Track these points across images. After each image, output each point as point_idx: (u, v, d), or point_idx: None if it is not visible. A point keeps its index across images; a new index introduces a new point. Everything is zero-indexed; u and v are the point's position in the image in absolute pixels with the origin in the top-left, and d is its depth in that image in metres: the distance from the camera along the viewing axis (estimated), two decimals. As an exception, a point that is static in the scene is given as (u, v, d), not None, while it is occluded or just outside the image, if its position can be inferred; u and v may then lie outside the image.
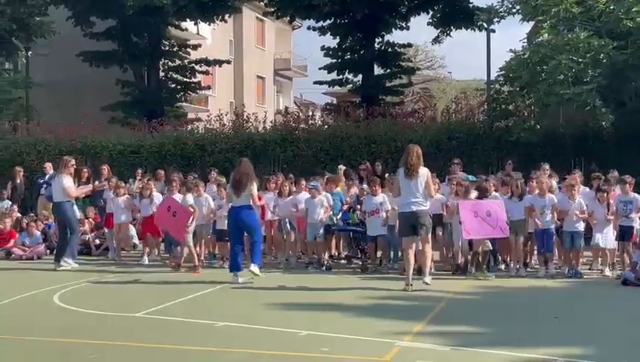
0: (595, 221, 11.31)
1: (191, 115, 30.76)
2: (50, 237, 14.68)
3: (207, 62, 28.46)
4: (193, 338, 7.19)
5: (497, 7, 18.66)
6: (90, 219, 15.08)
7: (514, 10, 17.82)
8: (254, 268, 10.47)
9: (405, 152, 9.98)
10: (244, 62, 42.27)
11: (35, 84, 27.26)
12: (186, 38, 30.06)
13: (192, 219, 12.02)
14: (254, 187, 10.73)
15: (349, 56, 24.57)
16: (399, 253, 11.49)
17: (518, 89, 17.46)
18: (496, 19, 20.06)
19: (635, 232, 11.41)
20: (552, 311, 8.39)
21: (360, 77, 24.49)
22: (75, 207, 13.15)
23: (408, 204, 9.77)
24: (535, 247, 11.80)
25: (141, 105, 26.04)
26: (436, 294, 9.44)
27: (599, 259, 11.53)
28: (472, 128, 18.37)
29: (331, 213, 12.30)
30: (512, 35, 61.05)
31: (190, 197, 12.28)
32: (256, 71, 44.00)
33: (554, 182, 12.15)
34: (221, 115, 20.65)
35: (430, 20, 23.90)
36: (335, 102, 30.10)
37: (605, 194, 11.39)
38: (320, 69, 24.89)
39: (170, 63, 28.21)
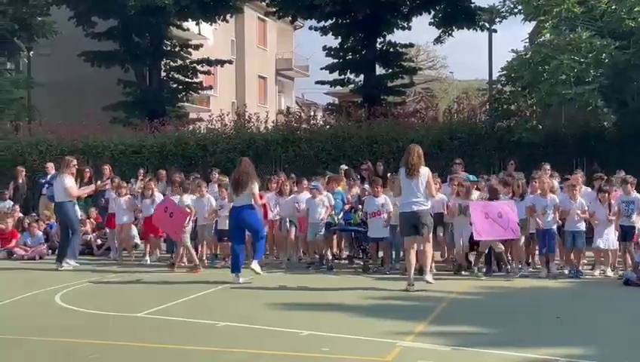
0: (597, 221, 11.30)
1: (192, 115, 30.79)
2: (51, 237, 14.69)
3: (208, 62, 28.46)
4: (195, 338, 7.19)
5: (499, 7, 18.67)
6: (92, 219, 15.09)
7: (516, 10, 17.82)
8: (255, 265, 10.47)
9: (406, 152, 9.99)
10: (245, 62, 42.27)
11: (37, 84, 27.28)
12: (187, 38, 30.07)
13: (189, 220, 12.04)
14: (255, 186, 10.67)
15: (350, 56, 24.57)
16: (401, 253, 11.49)
17: (519, 89, 17.47)
18: (497, 19, 20.06)
19: (636, 232, 11.40)
20: (554, 311, 8.38)
21: (362, 77, 24.50)
22: (77, 207, 13.16)
23: (409, 204, 9.77)
24: (537, 247, 11.79)
25: (143, 105, 26.06)
26: (438, 294, 9.43)
27: (601, 259, 11.51)
28: (474, 128, 18.37)
29: (333, 212, 12.31)
30: (513, 35, 61.12)
31: (187, 198, 12.29)
32: (257, 71, 44.00)
33: (555, 182, 12.15)
34: (223, 115, 20.65)
35: (432, 20, 23.91)
36: (337, 102, 30.08)
37: (606, 195, 11.38)
38: (322, 69, 24.94)
39: (171, 63, 28.22)
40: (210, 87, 31.47)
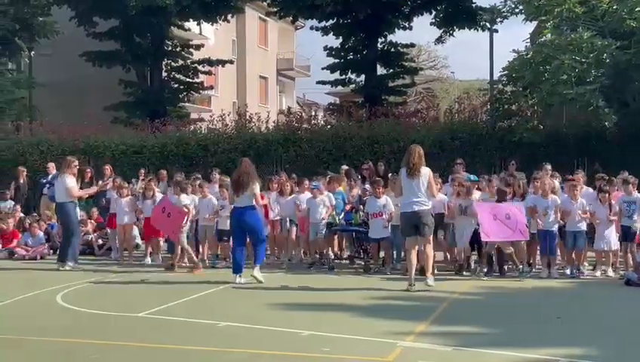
0: (598, 221, 11.30)
1: (193, 115, 30.78)
2: (52, 237, 14.71)
3: (209, 62, 28.45)
4: (195, 338, 7.19)
5: (500, 7, 18.69)
6: (93, 220, 15.10)
7: (517, 10, 17.84)
8: (257, 272, 10.46)
9: (407, 152, 9.99)
10: (246, 62, 42.28)
11: (38, 84, 27.29)
12: (188, 38, 30.06)
13: (187, 220, 12.05)
14: (257, 186, 10.65)
15: (351, 56, 24.55)
16: (402, 253, 11.48)
17: (521, 89, 17.47)
18: (499, 20, 20.08)
19: (637, 232, 11.39)
20: (555, 311, 8.38)
21: (363, 77, 24.49)
22: (78, 209, 13.15)
23: (410, 204, 9.77)
24: (538, 248, 11.78)
25: (144, 105, 26.06)
26: (439, 294, 9.43)
27: (602, 259, 11.50)
28: (475, 128, 18.37)
29: (334, 212, 12.31)
30: (514, 35, 61.19)
31: (185, 198, 12.30)
32: (258, 71, 44.01)
33: (556, 183, 12.14)
34: (224, 115, 20.65)
35: (433, 20, 23.89)
36: (338, 102, 30.05)
37: (607, 195, 11.38)
38: (323, 69, 24.92)
39: (172, 63, 28.21)
40: (212, 87, 31.49)
